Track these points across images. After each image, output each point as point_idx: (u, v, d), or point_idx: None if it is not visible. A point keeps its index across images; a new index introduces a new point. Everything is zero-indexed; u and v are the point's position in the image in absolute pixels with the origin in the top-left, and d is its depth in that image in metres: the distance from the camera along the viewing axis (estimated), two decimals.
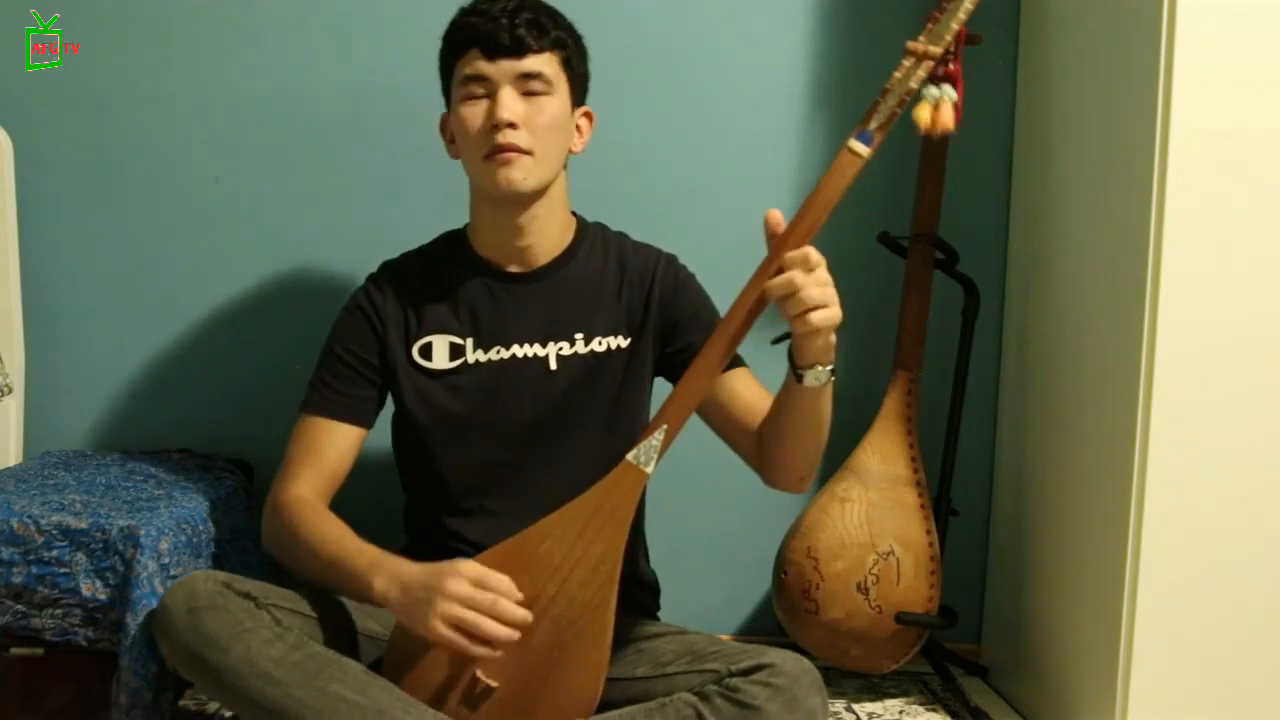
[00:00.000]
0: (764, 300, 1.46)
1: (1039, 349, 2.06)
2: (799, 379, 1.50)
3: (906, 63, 1.47)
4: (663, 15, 2.15)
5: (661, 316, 1.72)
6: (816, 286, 1.41)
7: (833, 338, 1.48)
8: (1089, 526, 1.84)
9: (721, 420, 1.69)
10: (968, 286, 2.10)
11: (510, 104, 1.60)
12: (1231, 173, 1.66)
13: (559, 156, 1.66)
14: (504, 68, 1.61)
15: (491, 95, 1.61)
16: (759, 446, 1.64)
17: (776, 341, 1.53)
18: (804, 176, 2.18)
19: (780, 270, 1.42)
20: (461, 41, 1.64)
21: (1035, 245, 2.10)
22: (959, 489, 2.12)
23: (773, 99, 2.18)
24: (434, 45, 2.09)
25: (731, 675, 1.46)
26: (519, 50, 1.60)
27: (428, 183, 2.13)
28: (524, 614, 1.45)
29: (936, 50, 1.45)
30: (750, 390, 1.68)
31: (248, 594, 1.51)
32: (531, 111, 1.61)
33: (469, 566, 1.46)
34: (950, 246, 2.09)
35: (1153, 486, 1.68)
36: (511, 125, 1.60)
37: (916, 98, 1.47)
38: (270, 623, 1.49)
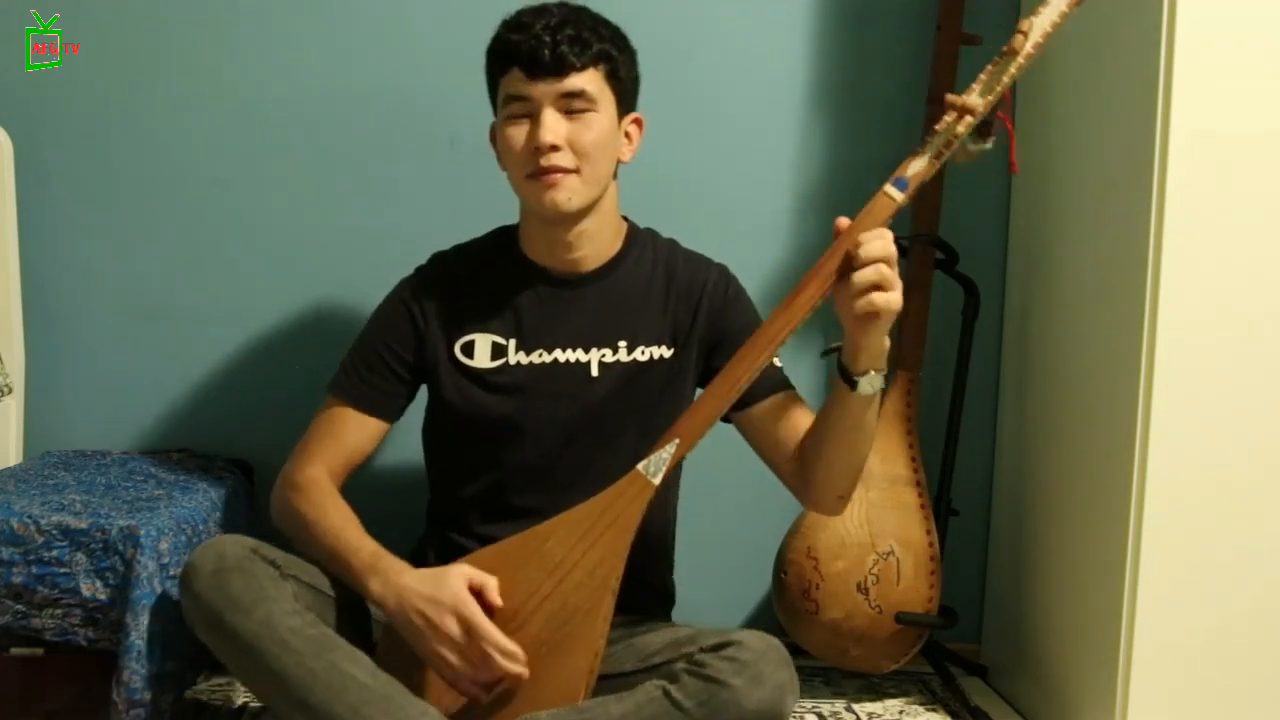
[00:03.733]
0: (791, 324, 1.46)
1: (1039, 349, 2.06)
2: (852, 386, 1.48)
3: (948, 117, 1.44)
4: (663, 15, 2.15)
5: (708, 329, 1.70)
6: (892, 264, 1.41)
7: (886, 341, 1.47)
8: (1089, 526, 1.84)
9: (766, 440, 1.67)
10: (968, 286, 2.10)
11: (553, 126, 1.57)
12: (1231, 173, 1.66)
13: (606, 171, 1.63)
14: (545, 88, 1.58)
15: (534, 115, 1.59)
16: (800, 466, 1.63)
17: (826, 354, 1.53)
18: (804, 177, 2.18)
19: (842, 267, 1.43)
20: (504, 59, 1.61)
21: (1035, 245, 2.10)
22: (959, 489, 2.12)
23: (773, 100, 2.18)
24: (434, 46, 2.10)
25: (701, 652, 1.47)
26: (560, 70, 1.57)
27: (429, 183, 2.14)
28: (519, 671, 1.48)
29: (976, 105, 1.43)
30: (799, 413, 1.66)
31: (273, 561, 1.53)
32: (576, 130, 1.58)
33: (463, 604, 1.47)
34: (950, 246, 2.09)
35: (1153, 486, 1.68)
36: (554, 148, 1.57)
37: (962, 151, 1.46)
38: (291, 595, 1.51)
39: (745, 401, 1.65)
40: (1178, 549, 1.69)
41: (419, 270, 1.75)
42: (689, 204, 2.15)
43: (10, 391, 2.02)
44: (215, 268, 2.15)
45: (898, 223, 2.10)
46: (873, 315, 1.41)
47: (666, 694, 1.45)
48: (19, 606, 1.62)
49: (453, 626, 1.46)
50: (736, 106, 2.18)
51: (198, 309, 2.15)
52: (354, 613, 1.61)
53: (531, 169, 1.60)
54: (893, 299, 1.40)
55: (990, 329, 2.21)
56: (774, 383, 1.66)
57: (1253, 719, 1.72)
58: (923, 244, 2.09)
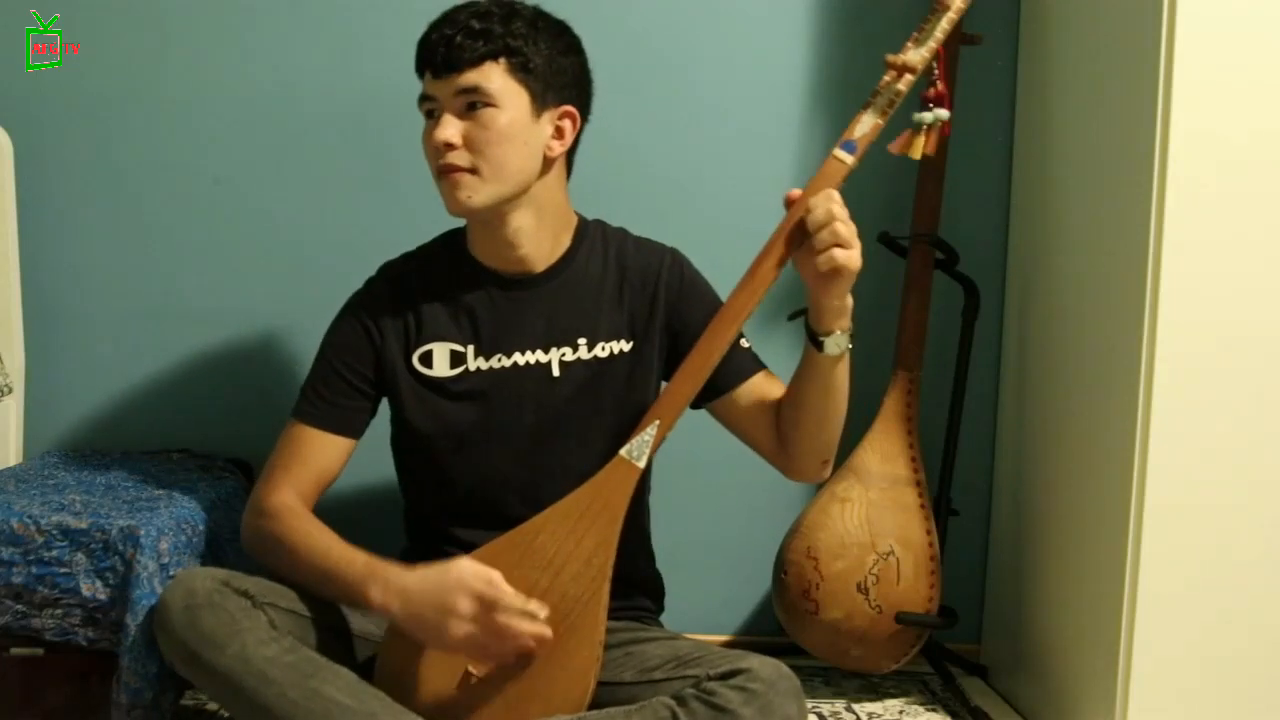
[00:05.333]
0: (756, 295, 1.50)
1: (1039, 349, 2.06)
2: (820, 347, 1.52)
3: (887, 76, 1.49)
4: (663, 13, 2.15)
5: (669, 320, 1.70)
6: (846, 223, 1.45)
7: (849, 300, 1.52)
8: (1089, 526, 1.84)
9: (746, 422, 1.69)
10: (968, 286, 2.10)
11: (447, 124, 1.58)
12: (1231, 173, 1.66)
13: (517, 168, 1.60)
14: (443, 86, 1.59)
15: (439, 114, 1.60)
16: (779, 438, 1.65)
17: (793, 317, 1.57)
18: (804, 173, 2.18)
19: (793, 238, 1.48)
20: (418, 60, 1.63)
21: (1035, 245, 2.10)
22: (959, 489, 2.13)
23: (773, 96, 2.18)
24: None
25: (709, 679, 1.46)
26: (452, 67, 1.57)
27: (428, 183, 2.13)
28: (541, 630, 1.47)
29: (915, 62, 1.47)
30: (775, 390, 1.68)
31: (245, 592, 1.51)
32: (472, 128, 1.58)
33: (474, 579, 1.46)
34: (950, 246, 2.10)
35: (1153, 486, 1.68)
36: (448, 146, 1.58)
37: (899, 115, 1.49)
38: (266, 623, 1.49)
39: (721, 389, 1.67)
40: (1178, 549, 1.69)
41: (369, 283, 1.74)
42: (688, 205, 2.15)
43: (10, 391, 2.02)
44: (215, 267, 2.16)
45: (898, 222, 2.14)
46: (834, 273, 1.46)
47: (675, 718, 1.44)
48: (19, 606, 1.62)
49: (466, 604, 1.45)
50: (736, 106, 2.18)
51: (198, 309, 2.15)
52: (334, 631, 1.60)
53: (435, 168, 1.61)
54: (853, 255, 1.46)
55: (990, 329, 2.21)
56: (747, 367, 1.68)
57: (1253, 719, 1.73)
58: (923, 244, 2.09)
